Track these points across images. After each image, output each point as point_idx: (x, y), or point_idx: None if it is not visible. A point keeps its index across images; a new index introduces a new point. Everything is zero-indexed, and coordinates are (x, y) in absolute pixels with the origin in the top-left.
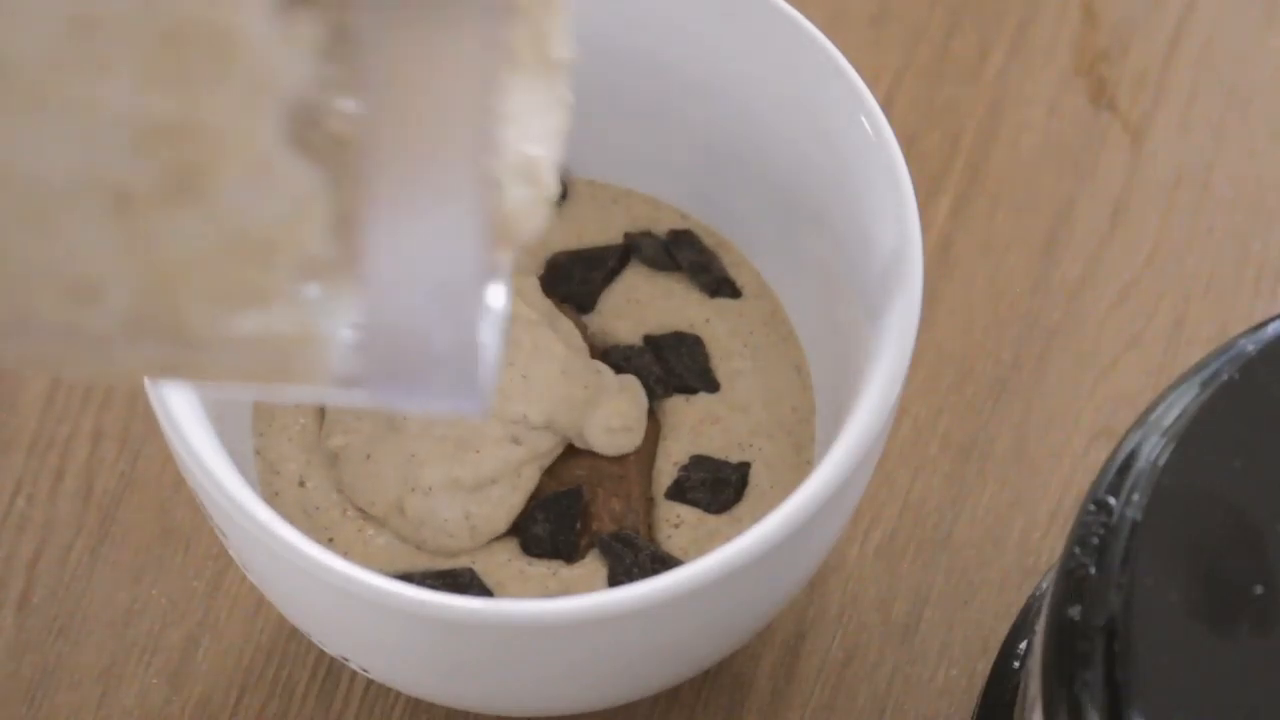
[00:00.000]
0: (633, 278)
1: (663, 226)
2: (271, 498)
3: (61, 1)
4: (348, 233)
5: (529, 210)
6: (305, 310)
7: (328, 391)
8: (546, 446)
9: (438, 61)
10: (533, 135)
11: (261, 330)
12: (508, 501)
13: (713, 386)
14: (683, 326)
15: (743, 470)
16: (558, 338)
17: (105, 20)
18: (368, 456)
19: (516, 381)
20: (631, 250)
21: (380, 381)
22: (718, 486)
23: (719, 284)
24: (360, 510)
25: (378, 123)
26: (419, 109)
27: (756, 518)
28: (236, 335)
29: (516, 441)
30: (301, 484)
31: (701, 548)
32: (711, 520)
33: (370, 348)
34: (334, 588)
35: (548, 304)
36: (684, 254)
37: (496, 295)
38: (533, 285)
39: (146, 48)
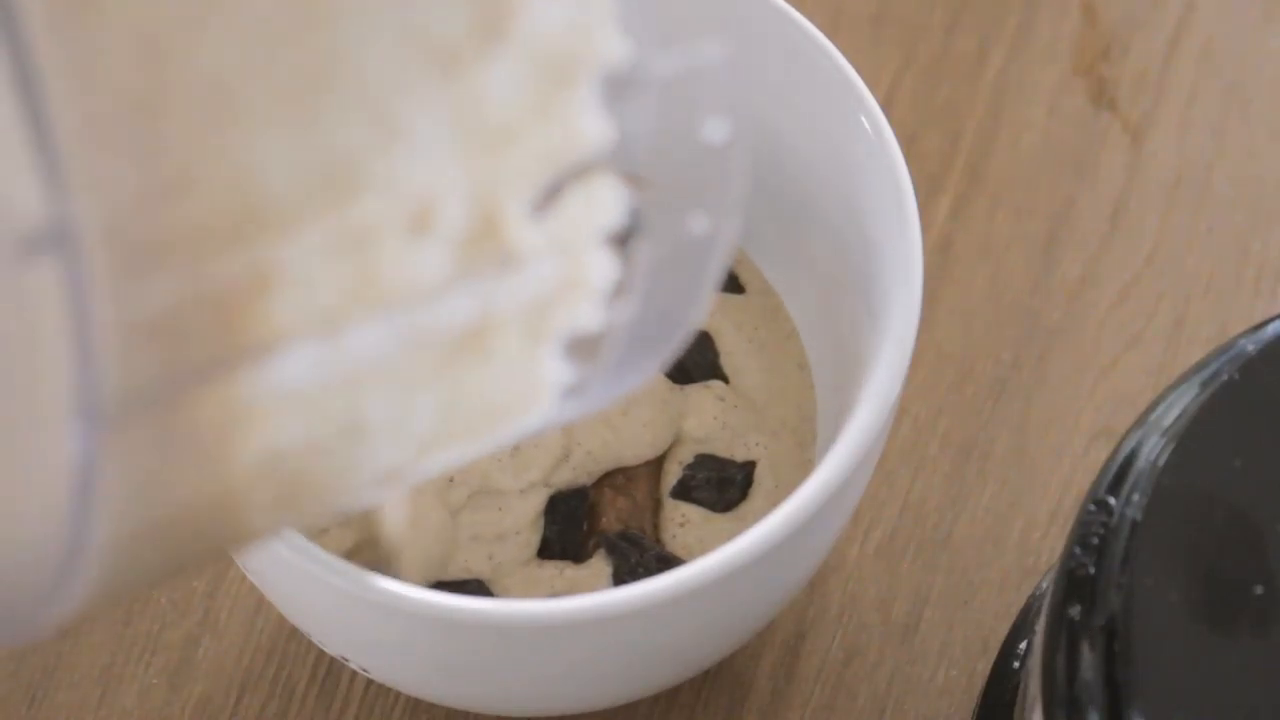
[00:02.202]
0: None
1: None
2: None
3: None
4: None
5: None
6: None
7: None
8: (580, 484)
9: None
10: None
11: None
12: (532, 542)
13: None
14: None
15: (748, 469)
16: None
17: None
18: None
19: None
20: None
21: (626, 344)
22: (723, 485)
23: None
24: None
25: None
26: None
27: (761, 517)
28: (539, 239)
29: (547, 484)
30: None
31: (706, 546)
32: (717, 519)
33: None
34: (334, 588)
35: None
36: None
37: None
38: None
39: None
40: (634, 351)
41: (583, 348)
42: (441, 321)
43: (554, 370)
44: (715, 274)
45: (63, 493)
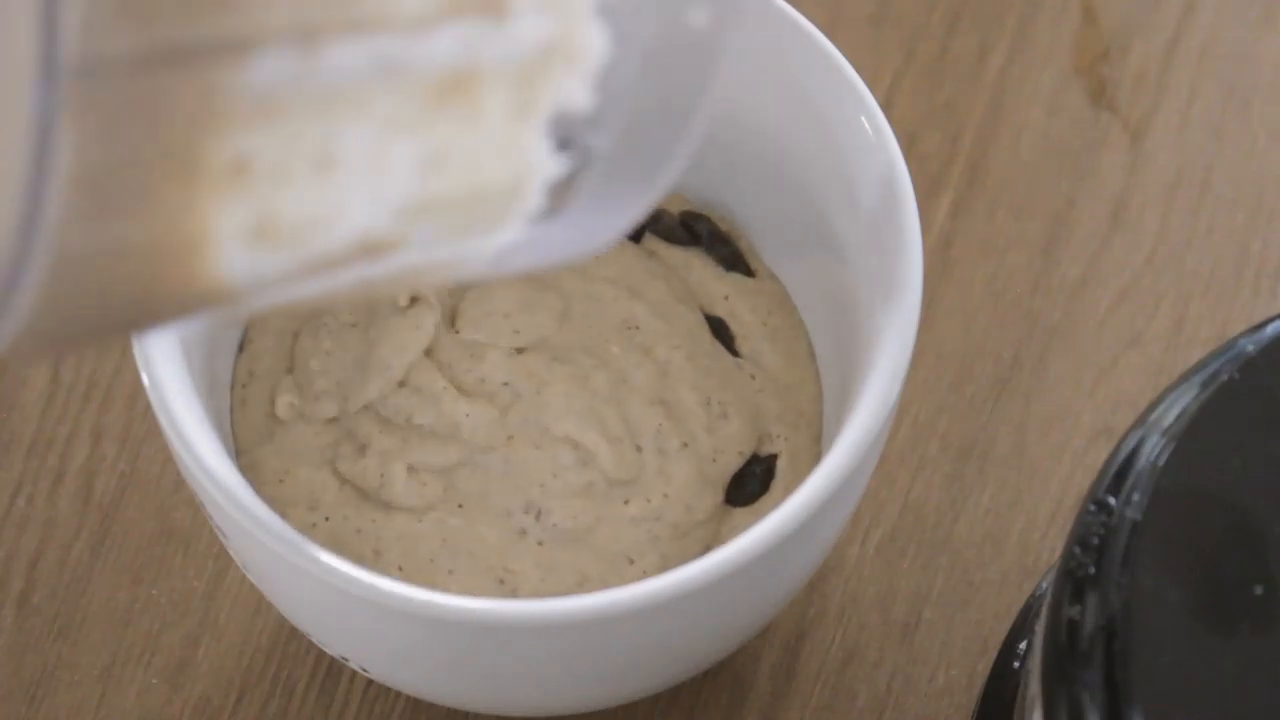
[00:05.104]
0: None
1: (674, 210)
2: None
3: None
4: None
5: None
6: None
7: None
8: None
9: None
10: None
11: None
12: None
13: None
14: (702, 302)
15: (769, 463)
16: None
17: None
18: (431, 560)
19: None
20: (647, 223)
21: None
22: (743, 479)
23: (735, 258)
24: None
25: None
26: None
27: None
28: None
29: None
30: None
31: (723, 539)
32: (735, 513)
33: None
34: (334, 588)
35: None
36: (701, 226)
37: None
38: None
39: None
40: (619, 178)
41: (563, 187)
42: (422, 59)
43: (539, 155)
44: (709, 86)
45: (24, 152)
